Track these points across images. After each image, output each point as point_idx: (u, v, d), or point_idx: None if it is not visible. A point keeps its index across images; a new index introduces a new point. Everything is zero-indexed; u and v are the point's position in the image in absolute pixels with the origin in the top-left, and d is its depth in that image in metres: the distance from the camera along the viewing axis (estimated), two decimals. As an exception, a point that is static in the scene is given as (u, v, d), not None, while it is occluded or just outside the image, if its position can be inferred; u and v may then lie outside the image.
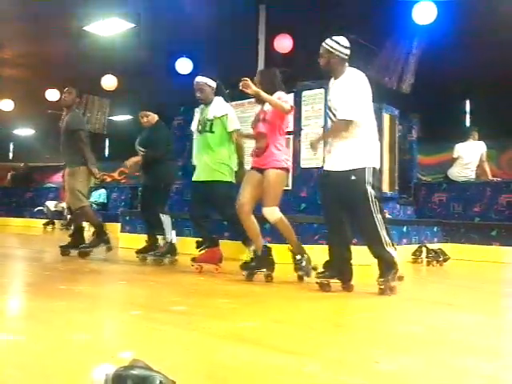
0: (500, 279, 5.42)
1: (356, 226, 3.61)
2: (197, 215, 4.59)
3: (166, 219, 5.21)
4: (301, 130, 6.15)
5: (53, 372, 1.73)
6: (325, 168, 3.69)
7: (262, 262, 4.03)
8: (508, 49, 8.53)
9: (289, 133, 6.13)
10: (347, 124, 3.49)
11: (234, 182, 4.49)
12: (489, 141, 8.00)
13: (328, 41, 3.62)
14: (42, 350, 1.97)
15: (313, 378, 1.73)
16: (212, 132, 4.45)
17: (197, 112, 4.77)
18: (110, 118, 14.47)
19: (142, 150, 5.28)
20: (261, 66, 8.46)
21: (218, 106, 4.49)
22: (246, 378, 1.73)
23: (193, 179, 4.63)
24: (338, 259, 3.59)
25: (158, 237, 5.31)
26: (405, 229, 6.30)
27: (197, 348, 2.07)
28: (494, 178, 7.78)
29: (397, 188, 7.18)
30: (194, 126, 4.68)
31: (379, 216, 3.44)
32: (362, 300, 3.47)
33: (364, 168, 3.47)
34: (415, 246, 6.11)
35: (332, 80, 3.72)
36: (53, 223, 12.42)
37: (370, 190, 3.44)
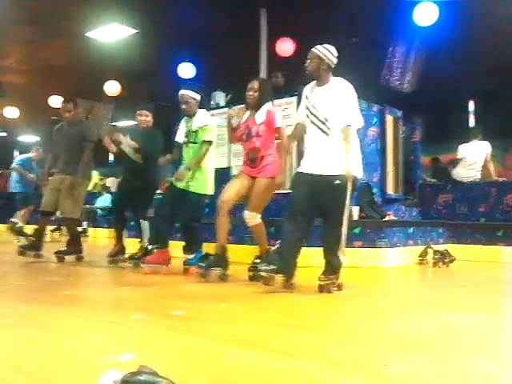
0: (506, 280, 5.39)
1: (324, 228, 3.75)
2: (164, 215, 4.67)
3: (145, 224, 5.43)
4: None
5: (57, 377, 1.72)
6: (310, 171, 3.66)
7: (220, 261, 4.21)
8: (511, 48, 8.50)
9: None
10: (352, 131, 3.59)
11: (208, 194, 4.68)
12: (493, 141, 7.97)
13: (319, 47, 3.69)
14: (45, 356, 1.97)
15: (319, 382, 1.72)
16: (195, 143, 4.63)
17: (182, 124, 4.83)
18: (113, 123, 14.50)
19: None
20: (263, 69, 8.44)
21: (201, 117, 4.66)
22: (250, 382, 1.72)
23: (173, 181, 4.71)
24: (290, 254, 3.65)
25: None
26: (410, 230, 6.27)
27: (201, 352, 2.06)
28: (499, 178, 7.75)
29: (401, 189, 7.17)
30: (180, 138, 4.78)
31: (345, 223, 3.55)
32: (367, 302, 3.46)
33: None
34: (421, 248, 6.08)
35: (313, 86, 3.76)
36: (60, 230, 12.42)
37: (348, 199, 3.53)
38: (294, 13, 8.09)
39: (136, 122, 5.55)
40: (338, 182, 3.49)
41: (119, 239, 5.47)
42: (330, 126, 3.60)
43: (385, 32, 8.36)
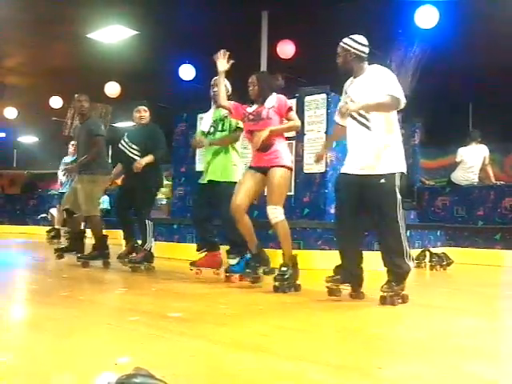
0: (503, 283, 5.40)
1: (379, 232, 3.48)
2: (201, 218, 4.59)
3: (150, 225, 5.19)
4: (303, 135, 6.16)
5: (54, 379, 1.73)
6: (350, 171, 3.50)
7: (258, 258, 4.07)
8: (511, 52, 8.51)
9: (291, 138, 6.16)
10: (398, 104, 3.40)
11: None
12: (492, 144, 7.98)
13: (345, 39, 3.58)
14: (42, 357, 1.98)
15: (316, 385, 1.73)
16: (223, 131, 4.52)
17: (205, 115, 4.73)
18: (113, 124, 14.50)
19: (136, 148, 5.14)
20: (263, 71, 8.46)
21: None
22: (248, 385, 1.72)
23: (200, 181, 4.62)
24: (349, 264, 3.51)
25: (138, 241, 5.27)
26: (408, 233, 6.24)
27: (199, 355, 2.07)
28: (498, 182, 7.76)
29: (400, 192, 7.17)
30: (205, 127, 4.63)
31: (403, 224, 3.36)
32: (365, 306, 3.46)
33: (394, 173, 3.39)
34: (418, 251, 6.08)
35: (351, 80, 3.63)
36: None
37: (398, 196, 3.36)
38: (295, 15, 8.10)
39: (133, 123, 5.42)
40: (383, 180, 3.34)
41: (129, 240, 5.31)
42: (369, 118, 3.41)
43: (385, 35, 8.37)
